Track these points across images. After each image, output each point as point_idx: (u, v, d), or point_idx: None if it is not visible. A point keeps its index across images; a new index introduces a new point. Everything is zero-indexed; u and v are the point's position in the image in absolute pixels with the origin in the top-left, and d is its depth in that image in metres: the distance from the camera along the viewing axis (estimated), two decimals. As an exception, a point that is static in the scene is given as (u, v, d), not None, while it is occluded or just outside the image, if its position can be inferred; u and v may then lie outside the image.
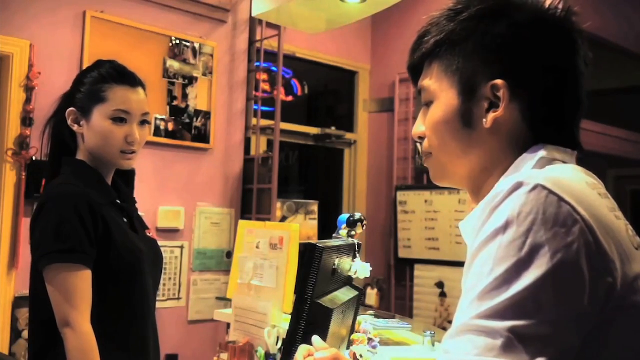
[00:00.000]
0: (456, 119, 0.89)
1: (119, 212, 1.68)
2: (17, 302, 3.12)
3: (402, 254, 4.47)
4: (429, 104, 0.93)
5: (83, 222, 1.51)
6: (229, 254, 3.92)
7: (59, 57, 3.30)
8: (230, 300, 2.00)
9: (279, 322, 1.79)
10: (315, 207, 4.26)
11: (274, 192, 3.87)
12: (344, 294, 1.34)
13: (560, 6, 0.89)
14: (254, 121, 4.12)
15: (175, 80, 3.75)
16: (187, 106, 3.80)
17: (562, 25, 0.89)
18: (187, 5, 3.82)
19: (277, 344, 1.75)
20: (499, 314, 0.69)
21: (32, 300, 1.63)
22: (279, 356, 1.74)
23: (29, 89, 3.18)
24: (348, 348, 1.60)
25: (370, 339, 1.74)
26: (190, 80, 3.82)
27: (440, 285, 4.21)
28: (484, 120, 0.86)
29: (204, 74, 3.89)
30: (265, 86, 4.30)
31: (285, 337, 1.26)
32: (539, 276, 0.69)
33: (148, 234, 1.77)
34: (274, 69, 4.18)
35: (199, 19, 3.90)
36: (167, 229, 3.70)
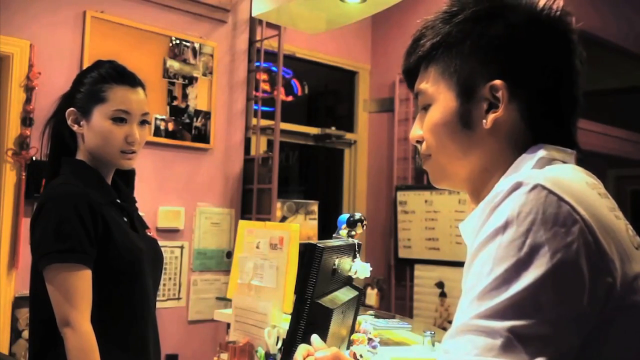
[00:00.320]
0: (455, 120, 0.89)
1: (119, 211, 1.68)
2: (17, 302, 3.12)
3: (402, 254, 4.47)
4: (426, 108, 0.93)
5: (83, 221, 1.52)
6: (229, 254, 3.92)
7: (59, 57, 3.30)
8: (230, 300, 2.00)
9: (279, 322, 1.79)
10: (315, 207, 4.26)
11: (274, 192, 3.87)
12: (344, 294, 1.34)
13: (554, 6, 0.89)
14: (254, 121, 4.12)
15: (175, 80, 3.75)
16: (187, 106, 3.80)
17: (556, 25, 0.89)
18: (187, 5, 3.82)
19: (277, 344, 1.75)
20: (498, 313, 0.69)
21: (32, 300, 1.63)
22: (279, 356, 1.74)
23: (29, 89, 3.18)
24: (348, 348, 1.60)
25: (370, 339, 1.74)
26: (190, 80, 3.82)
27: (440, 285, 4.22)
28: (484, 121, 0.86)
29: (204, 74, 3.89)
30: (265, 86, 4.30)
31: (285, 337, 1.26)
32: (539, 276, 0.69)
33: (148, 234, 1.78)
34: (274, 69, 4.18)
35: (199, 19, 3.90)
36: (167, 229, 3.70)
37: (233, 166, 4.05)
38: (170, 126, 3.73)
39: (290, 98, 4.61)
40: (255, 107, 4.13)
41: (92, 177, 1.65)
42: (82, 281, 1.51)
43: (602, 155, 4.43)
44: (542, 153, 0.84)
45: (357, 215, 1.75)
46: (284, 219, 4.09)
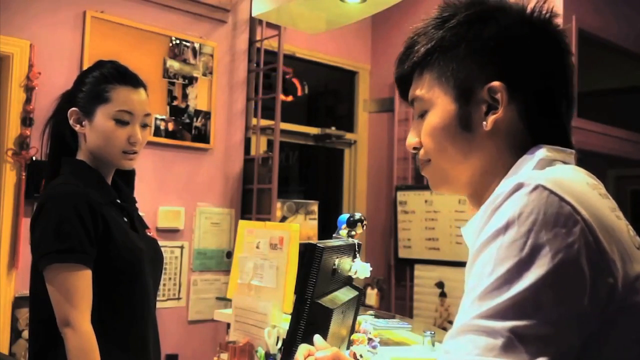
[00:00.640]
0: (455, 123, 0.89)
1: (119, 211, 1.68)
2: (17, 302, 3.12)
3: (402, 254, 4.47)
4: (423, 114, 0.93)
5: (83, 221, 1.51)
6: (229, 254, 3.92)
7: (59, 57, 3.30)
8: (230, 300, 2.00)
9: (279, 322, 1.79)
10: (315, 207, 4.26)
11: (274, 192, 3.87)
12: (344, 294, 1.34)
13: (544, 8, 0.90)
14: (254, 121, 4.12)
15: (175, 80, 3.75)
16: (187, 106, 3.80)
17: (547, 26, 0.90)
18: (187, 5, 3.82)
19: (277, 344, 1.75)
20: (499, 313, 0.69)
21: (32, 300, 1.63)
22: (279, 356, 1.74)
23: (29, 89, 3.18)
24: (348, 348, 1.60)
25: (370, 339, 1.74)
26: (190, 80, 3.82)
27: (440, 285, 4.22)
28: (484, 123, 0.87)
29: (204, 74, 3.89)
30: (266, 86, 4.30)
31: (285, 337, 1.26)
32: (540, 276, 0.69)
33: (148, 234, 1.78)
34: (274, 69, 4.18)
35: (199, 19, 3.90)
36: (167, 229, 3.70)
37: (233, 166, 4.05)
38: (170, 126, 3.73)
39: (290, 98, 4.61)
40: (255, 107, 4.13)
41: (93, 177, 1.65)
42: (82, 281, 1.51)
43: (602, 155, 4.42)
44: (542, 154, 0.84)
45: (357, 215, 1.75)
46: (284, 219, 4.09)
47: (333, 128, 4.71)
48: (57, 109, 1.73)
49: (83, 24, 3.40)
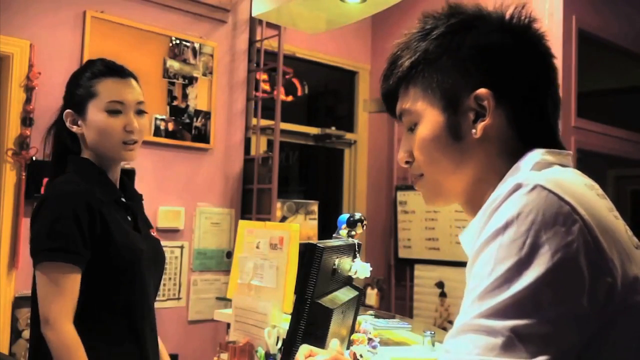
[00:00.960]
0: (444, 134, 0.89)
1: (123, 210, 1.67)
2: (17, 302, 3.12)
3: (402, 254, 4.47)
4: (412, 128, 0.93)
5: (78, 221, 1.51)
6: (229, 254, 3.92)
7: (59, 57, 3.30)
8: (230, 300, 2.00)
9: (279, 322, 1.79)
10: (315, 207, 4.26)
11: (274, 192, 3.87)
12: (344, 294, 1.34)
13: (523, 14, 0.91)
14: (254, 121, 4.12)
15: (175, 80, 3.75)
16: (187, 106, 3.80)
17: (527, 31, 0.91)
18: (187, 5, 3.82)
19: (277, 344, 1.75)
20: (499, 313, 0.69)
21: (34, 299, 1.63)
22: (279, 356, 1.74)
23: (29, 89, 3.18)
24: (348, 348, 1.60)
25: (370, 339, 1.74)
26: (190, 80, 3.82)
27: (440, 285, 4.22)
28: (473, 130, 0.87)
29: (204, 74, 3.89)
30: (265, 86, 4.30)
31: (285, 337, 1.26)
32: (539, 275, 0.69)
33: (152, 233, 1.77)
34: (274, 69, 4.18)
35: (199, 19, 3.90)
36: (167, 229, 3.70)
37: (233, 166, 4.05)
38: (170, 126, 3.73)
39: (290, 98, 4.61)
40: (255, 107, 4.13)
41: (97, 175, 1.65)
42: (68, 281, 1.50)
43: (602, 155, 4.42)
44: (538, 157, 0.84)
45: (357, 215, 1.75)
46: (284, 219, 4.09)
47: (333, 128, 4.71)
48: (58, 116, 1.73)
49: (83, 24, 3.40)
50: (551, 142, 0.89)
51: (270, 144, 4.12)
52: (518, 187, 0.75)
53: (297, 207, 4.20)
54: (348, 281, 1.46)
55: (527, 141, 0.87)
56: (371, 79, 4.92)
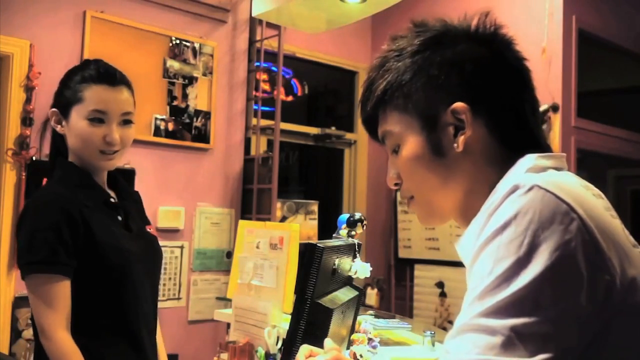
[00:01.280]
0: (427, 152, 0.89)
1: (113, 210, 1.67)
2: (17, 302, 3.12)
3: (402, 254, 4.47)
4: (396, 150, 0.94)
5: (58, 231, 1.51)
6: (229, 254, 3.92)
7: (59, 57, 3.30)
8: (230, 300, 2.00)
9: (279, 322, 1.79)
10: (315, 207, 4.26)
11: (274, 192, 3.87)
12: (344, 294, 1.34)
13: (487, 23, 0.91)
14: (254, 121, 4.12)
15: (175, 80, 3.75)
16: (187, 106, 3.80)
17: (494, 38, 0.91)
18: (187, 5, 3.82)
19: (277, 344, 1.75)
20: (499, 312, 0.69)
21: None
22: (279, 356, 1.74)
23: (29, 89, 3.18)
24: (348, 348, 1.60)
25: (370, 339, 1.74)
26: (190, 80, 3.82)
27: (440, 285, 4.22)
28: (455, 145, 0.87)
29: (204, 74, 3.89)
30: (265, 86, 4.30)
31: (285, 337, 1.26)
32: (538, 273, 0.69)
33: (148, 230, 1.76)
34: (274, 69, 4.18)
35: (199, 19, 3.90)
36: (167, 229, 3.70)
37: (233, 166, 4.05)
38: (170, 126, 3.73)
39: (290, 98, 4.61)
40: (255, 107, 4.13)
41: (82, 178, 1.63)
42: (56, 291, 1.50)
43: (602, 155, 4.41)
44: (531, 163, 0.84)
45: (357, 215, 1.75)
46: (284, 219, 4.09)
47: (333, 128, 4.71)
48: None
49: (83, 24, 3.40)
50: (535, 145, 0.89)
51: (270, 144, 4.12)
52: (515, 188, 0.75)
53: (297, 207, 4.20)
54: (348, 281, 1.46)
55: (511, 147, 0.87)
56: (371, 79, 4.91)
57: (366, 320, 1.87)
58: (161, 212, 3.68)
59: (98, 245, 1.55)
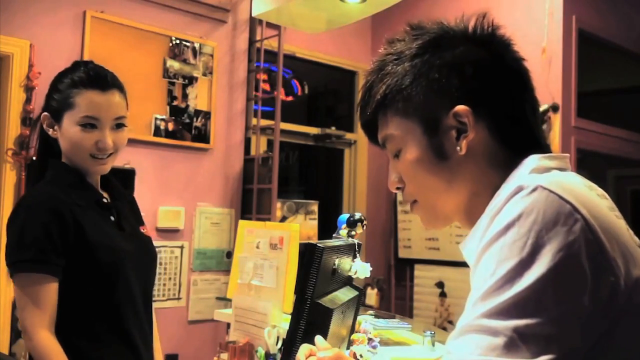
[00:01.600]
0: (430, 155, 0.89)
1: (106, 211, 1.66)
2: (17, 302, 3.11)
3: (402, 254, 4.47)
4: (397, 154, 0.93)
5: (48, 230, 1.50)
6: (229, 254, 3.92)
7: (59, 57, 3.30)
8: (230, 300, 2.00)
9: (279, 322, 1.79)
10: (315, 207, 4.26)
11: (274, 192, 3.87)
12: (344, 294, 1.34)
13: (485, 24, 0.91)
14: (254, 121, 4.12)
15: (175, 80, 3.75)
16: (187, 106, 3.80)
17: (492, 39, 0.91)
18: (187, 5, 3.82)
19: (277, 344, 1.75)
20: (501, 312, 0.69)
21: None
22: (279, 356, 1.74)
23: (29, 89, 3.18)
24: (348, 348, 1.60)
25: (370, 339, 1.74)
26: (190, 80, 3.82)
27: (440, 285, 4.22)
28: (458, 148, 0.87)
29: (204, 74, 3.89)
30: (265, 86, 4.30)
31: (285, 337, 1.26)
32: (541, 274, 0.69)
33: (142, 230, 1.76)
34: (273, 69, 4.18)
35: (199, 19, 3.90)
36: (167, 229, 3.70)
37: (233, 166, 4.05)
38: (170, 126, 3.73)
39: (290, 98, 4.61)
40: (255, 107, 4.13)
41: (74, 179, 1.63)
42: (42, 291, 1.50)
43: (602, 155, 4.42)
44: (535, 163, 0.84)
45: (357, 215, 1.75)
46: (284, 219, 4.09)
47: (333, 128, 4.71)
48: (41, 111, 1.71)
49: (83, 24, 3.40)
50: (536, 145, 0.88)
51: (270, 144, 4.12)
52: (519, 189, 0.75)
53: (297, 207, 4.20)
54: (348, 281, 1.46)
55: (512, 149, 0.87)
56: (371, 79, 4.91)
57: (366, 320, 1.87)
58: (161, 212, 3.68)
59: (90, 244, 1.55)
